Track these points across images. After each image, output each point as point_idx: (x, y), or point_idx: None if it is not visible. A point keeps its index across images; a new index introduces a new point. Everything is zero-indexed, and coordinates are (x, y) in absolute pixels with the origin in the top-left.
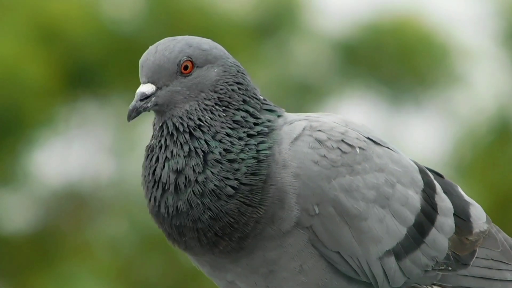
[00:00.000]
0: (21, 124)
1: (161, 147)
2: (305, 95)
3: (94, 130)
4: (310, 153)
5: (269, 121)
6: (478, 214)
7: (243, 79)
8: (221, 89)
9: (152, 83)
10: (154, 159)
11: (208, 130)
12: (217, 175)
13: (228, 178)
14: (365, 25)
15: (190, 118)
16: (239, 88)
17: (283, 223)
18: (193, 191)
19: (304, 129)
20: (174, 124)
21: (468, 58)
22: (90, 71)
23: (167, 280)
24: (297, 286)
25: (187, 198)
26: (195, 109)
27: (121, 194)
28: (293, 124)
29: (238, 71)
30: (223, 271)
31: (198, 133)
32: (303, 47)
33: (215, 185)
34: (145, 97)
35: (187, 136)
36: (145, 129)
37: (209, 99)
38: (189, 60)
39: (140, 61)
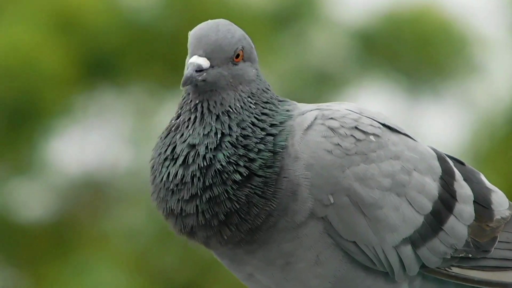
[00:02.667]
0: (39, 113)
1: (188, 125)
2: (323, 85)
3: (112, 118)
4: (323, 142)
5: (287, 111)
6: (500, 201)
7: (269, 85)
8: (254, 88)
9: (208, 59)
10: (178, 136)
11: (235, 117)
12: (228, 158)
13: (237, 164)
14: (383, 14)
15: (222, 104)
16: (265, 92)
17: (297, 215)
18: (198, 165)
19: (315, 118)
20: (208, 106)
21: (486, 48)
22: (108, 59)
23: (184, 270)
24: (314, 277)
25: (191, 171)
26: (232, 98)
27: (138, 183)
28: (305, 115)
29: (264, 79)
30: (242, 264)
31: (225, 118)
32: (321, 37)
33: (221, 165)
34: (200, 70)
35: (214, 118)
36: (163, 118)
37: (244, 91)
38: (242, 50)
39: (196, 34)
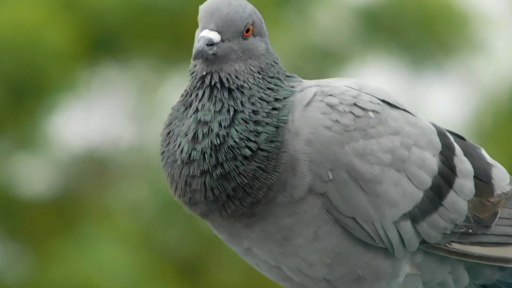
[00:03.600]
0: (42, 88)
1: (197, 95)
2: (327, 61)
3: (115, 94)
4: (322, 118)
5: (292, 87)
6: (501, 176)
7: (277, 59)
8: (263, 62)
9: (219, 33)
10: (189, 111)
11: (247, 92)
12: (240, 134)
13: (249, 139)
14: None
15: (237, 77)
16: (273, 66)
17: (295, 190)
18: (210, 141)
19: (315, 94)
20: (221, 78)
21: (489, 25)
22: (111, 35)
23: (187, 245)
24: (312, 253)
25: (201, 148)
26: (243, 71)
27: (141, 159)
28: (304, 91)
29: (273, 52)
30: (240, 238)
31: (237, 94)
32: (324, 13)
33: (234, 141)
34: (211, 44)
35: (226, 93)
36: (166, 93)
37: (254, 66)
38: (252, 25)
39: (208, 7)
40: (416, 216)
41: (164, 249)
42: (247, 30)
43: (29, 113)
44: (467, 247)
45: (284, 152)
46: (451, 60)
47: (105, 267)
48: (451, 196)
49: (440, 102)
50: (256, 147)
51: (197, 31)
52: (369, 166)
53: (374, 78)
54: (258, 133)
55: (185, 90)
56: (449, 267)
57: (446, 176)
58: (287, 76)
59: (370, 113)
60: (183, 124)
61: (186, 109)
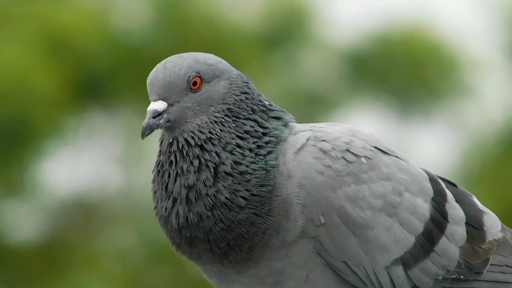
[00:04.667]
0: (30, 134)
1: (171, 163)
2: (315, 106)
3: (102, 140)
4: (314, 163)
5: (276, 130)
6: (493, 223)
7: (249, 88)
8: (229, 101)
9: (163, 100)
10: (165, 175)
11: (218, 142)
12: (228, 188)
13: (238, 190)
14: (374, 36)
15: (201, 132)
16: (246, 98)
17: (288, 234)
18: (204, 203)
19: (308, 139)
20: (185, 139)
21: (477, 69)
22: (99, 81)
23: None
24: None
25: (197, 211)
26: (206, 123)
27: (129, 204)
28: (297, 135)
29: (243, 82)
30: (230, 283)
31: (209, 146)
32: (312, 58)
33: (225, 197)
34: (158, 114)
35: (197, 150)
36: (154, 139)
37: (218, 112)
38: (198, 76)
39: (149, 79)
40: (407, 261)
41: None
42: (195, 83)
43: (17, 159)
44: None
45: (276, 196)
46: (439, 105)
47: None
48: (443, 242)
49: (428, 146)
50: (249, 195)
51: None
52: (361, 211)
53: (362, 123)
54: (247, 180)
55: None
56: None
57: (438, 222)
58: (274, 117)
59: (363, 159)
60: (170, 187)
61: (163, 173)
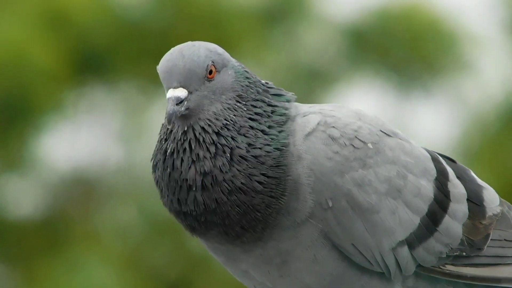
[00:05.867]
0: (30, 110)
1: (184, 150)
2: (314, 82)
3: (102, 115)
4: (324, 149)
5: (282, 107)
6: (492, 197)
7: (248, 73)
8: (238, 88)
9: (184, 87)
10: (177, 162)
11: (233, 127)
12: (244, 172)
13: (254, 175)
14: (374, 11)
15: (217, 119)
16: (249, 83)
17: (298, 214)
18: (220, 189)
19: (318, 124)
20: (202, 127)
21: (476, 45)
22: (99, 56)
23: (175, 266)
24: (310, 275)
25: (214, 197)
26: (221, 110)
27: (129, 180)
28: (307, 117)
29: (243, 69)
30: (237, 261)
31: (224, 132)
32: (312, 34)
33: (241, 182)
34: (180, 102)
35: (214, 136)
36: (154, 115)
37: (230, 99)
38: (213, 65)
39: (165, 66)
40: (412, 242)
41: (153, 269)
42: (210, 72)
43: (16, 134)
44: (460, 268)
45: (288, 176)
46: (439, 80)
47: None
48: (446, 221)
49: (427, 122)
50: (265, 180)
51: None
52: (367, 196)
53: (361, 98)
54: (262, 163)
55: (161, 137)
56: None
57: (441, 202)
58: (268, 92)
59: (369, 145)
60: (184, 175)
61: (173, 160)
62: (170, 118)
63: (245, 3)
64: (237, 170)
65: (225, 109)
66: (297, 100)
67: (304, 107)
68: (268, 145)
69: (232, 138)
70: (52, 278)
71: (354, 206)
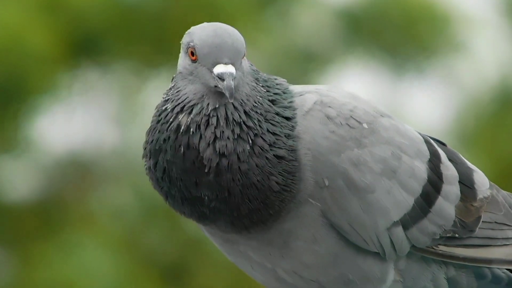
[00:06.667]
0: (24, 91)
1: (208, 125)
2: (308, 64)
3: (97, 97)
4: (320, 128)
5: (286, 89)
6: (482, 180)
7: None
8: (252, 74)
9: (232, 64)
10: (195, 139)
11: (260, 110)
12: (261, 169)
13: (272, 174)
14: None
15: (248, 100)
16: (255, 70)
17: (300, 194)
18: (233, 179)
19: (315, 103)
20: (235, 106)
21: (471, 27)
22: (94, 38)
23: (171, 248)
24: (310, 254)
25: (227, 185)
26: (250, 91)
27: (124, 162)
28: (303, 96)
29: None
30: (236, 244)
31: (253, 114)
32: (306, 16)
33: (257, 180)
34: (233, 78)
35: (243, 116)
36: (148, 97)
37: (251, 81)
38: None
39: (212, 41)
40: (406, 223)
41: (148, 252)
42: (243, 55)
43: (11, 116)
44: (453, 249)
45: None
46: (433, 62)
47: (89, 271)
48: (439, 202)
49: (422, 104)
50: (284, 179)
51: (207, 67)
52: (362, 175)
53: (355, 81)
54: (281, 157)
55: (165, 108)
56: (430, 275)
57: (434, 183)
58: (270, 77)
59: (364, 125)
60: (201, 153)
61: (188, 136)
62: (231, 92)
63: None
64: (255, 164)
65: (252, 90)
66: (290, 82)
67: (297, 87)
68: (289, 129)
69: (259, 122)
70: (47, 260)
71: (350, 185)
